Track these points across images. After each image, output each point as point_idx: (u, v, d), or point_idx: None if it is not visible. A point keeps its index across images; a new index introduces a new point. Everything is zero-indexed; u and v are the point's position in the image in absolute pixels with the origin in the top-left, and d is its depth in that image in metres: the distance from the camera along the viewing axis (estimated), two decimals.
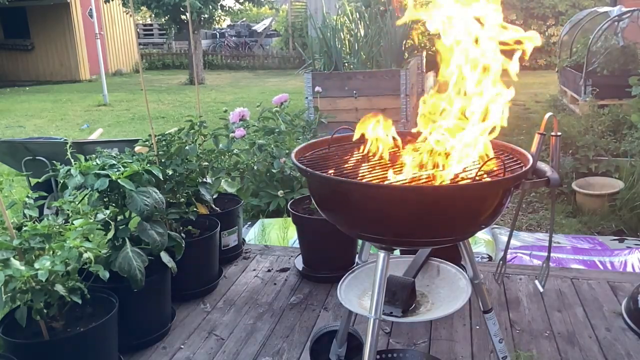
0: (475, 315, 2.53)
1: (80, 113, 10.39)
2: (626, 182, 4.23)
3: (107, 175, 2.18)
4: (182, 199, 2.76)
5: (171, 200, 2.70)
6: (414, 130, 1.84)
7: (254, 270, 3.09)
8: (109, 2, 14.26)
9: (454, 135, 1.69)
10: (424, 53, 8.35)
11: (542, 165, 1.67)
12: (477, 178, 1.55)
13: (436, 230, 1.58)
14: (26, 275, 1.74)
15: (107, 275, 1.96)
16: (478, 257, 3.21)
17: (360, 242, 2.15)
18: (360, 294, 1.84)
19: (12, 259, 1.79)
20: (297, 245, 3.24)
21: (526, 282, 2.83)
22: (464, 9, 1.61)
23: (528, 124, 7.75)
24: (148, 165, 2.40)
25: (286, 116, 4.74)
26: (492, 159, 1.64)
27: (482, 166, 1.59)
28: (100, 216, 2.17)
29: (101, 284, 2.09)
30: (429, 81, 9.27)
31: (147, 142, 2.84)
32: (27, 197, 2.07)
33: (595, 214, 4.19)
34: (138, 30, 21.12)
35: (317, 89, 5.95)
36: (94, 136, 4.47)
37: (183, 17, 13.44)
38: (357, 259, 2.03)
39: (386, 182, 1.58)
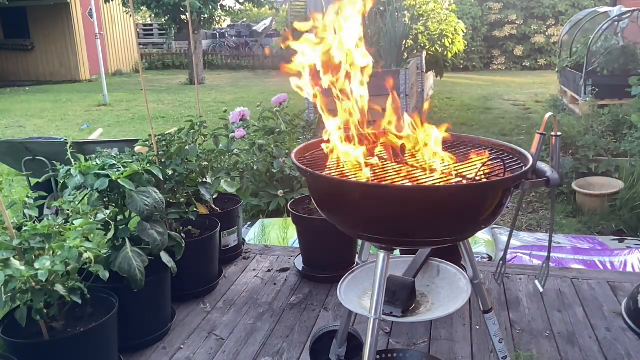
0: (475, 315, 2.53)
1: (80, 113, 10.40)
2: (626, 182, 4.23)
3: (107, 175, 2.18)
4: (182, 199, 2.76)
5: (171, 200, 2.70)
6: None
7: (254, 270, 3.09)
8: (109, 2, 14.26)
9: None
10: (424, 53, 8.35)
11: (542, 165, 1.67)
12: (477, 178, 1.55)
13: (436, 230, 1.58)
14: (26, 275, 1.74)
15: (107, 275, 1.96)
16: (478, 257, 3.21)
17: (360, 242, 2.15)
18: (360, 294, 1.84)
19: (12, 259, 1.79)
20: (297, 245, 3.24)
21: (526, 282, 2.83)
22: None
23: (528, 124, 7.76)
24: (148, 165, 2.40)
25: (286, 116, 4.74)
26: (492, 159, 1.64)
27: (482, 166, 1.59)
28: (100, 216, 2.17)
29: (101, 284, 2.09)
30: (429, 81, 9.27)
31: (147, 142, 2.84)
32: (27, 197, 2.07)
33: (595, 214, 4.19)
34: (138, 30, 21.12)
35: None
36: (94, 136, 4.48)
37: (183, 17, 13.44)
38: (357, 259, 2.03)
39: (386, 182, 1.58)
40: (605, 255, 3.20)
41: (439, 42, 8.58)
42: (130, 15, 16.04)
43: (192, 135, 2.93)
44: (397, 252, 2.36)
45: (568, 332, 2.39)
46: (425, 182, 1.58)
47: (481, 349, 2.30)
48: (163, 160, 2.71)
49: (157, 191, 2.32)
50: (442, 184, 1.56)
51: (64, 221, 2.00)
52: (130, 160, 2.43)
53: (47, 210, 3.38)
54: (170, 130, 2.91)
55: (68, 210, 2.08)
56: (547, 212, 4.49)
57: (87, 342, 1.95)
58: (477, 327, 2.45)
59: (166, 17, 13.52)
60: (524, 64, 15.23)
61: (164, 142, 2.76)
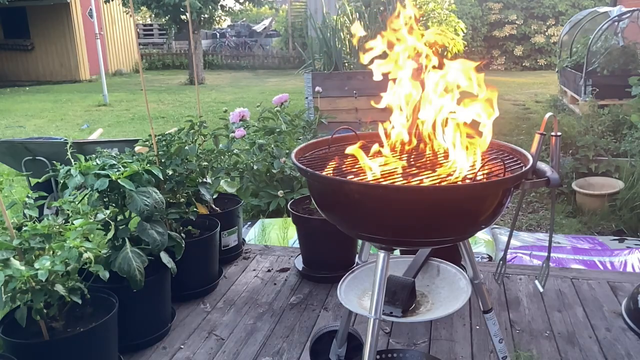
0: (475, 315, 2.53)
1: (80, 113, 10.39)
2: (626, 182, 4.23)
3: (107, 175, 2.18)
4: (182, 199, 2.76)
5: (171, 200, 2.70)
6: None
7: (254, 270, 3.09)
8: (109, 2, 14.26)
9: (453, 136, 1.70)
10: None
11: (542, 165, 1.67)
12: (477, 178, 1.55)
13: (436, 230, 1.58)
14: (26, 275, 1.74)
15: (107, 275, 1.97)
16: (478, 257, 3.21)
17: (360, 242, 2.15)
18: (360, 294, 1.84)
19: (12, 259, 1.79)
20: (297, 245, 3.24)
21: (526, 282, 2.83)
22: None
23: (528, 124, 7.76)
24: (148, 165, 2.40)
25: (286, 116, 4.74)
26: (492, 159, 1.64)
27: (482, 166, 1.59)
28: (100, 216, 2.17)
29: (101, 284, 2.09)
30: None
31: (147, 142, 2.84)
32: (27, 197, 2.07)
33: (595, 214, 4.19)
34: (138, 30, 21.12)
35: (317, 89, 5.95)
36: (94, 136, 4.47)
37: (183, 17, 13.44)
38: (357, 259, 2.03)
39: (386, 182, 1.58)
40: (605, 255, 3.20)
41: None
42: (130, 15, 16.05)
43: (192, 135, 2.93)
44: (397, 252, 2.36)
45: (568, 332, 2.39)
46: (426, 182, 1.58)
47: (481, 349, 2.30)
48: (163, 160, 2.71)
49: (157, 191, 2.32)
50: (442, 184, 1.56)
51: (64, 221, 2.00)
52: (130, 160, 2.43)
53: (47, 210, 3.38)
54: (170, 130, 2.91)
55: (68, 210, 2.08)
56: (547, 212, 4.49)
57: (87, 342, 1.95)
58: (477, 327, 2.45)
59: (166, 17, 13.52)
60: (524, 64, 15.22)
61: (164, 142, 2.76)
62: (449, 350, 2.29)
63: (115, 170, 2.24)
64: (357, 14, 7.13)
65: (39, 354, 1.89)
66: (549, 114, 1.73)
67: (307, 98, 6.20)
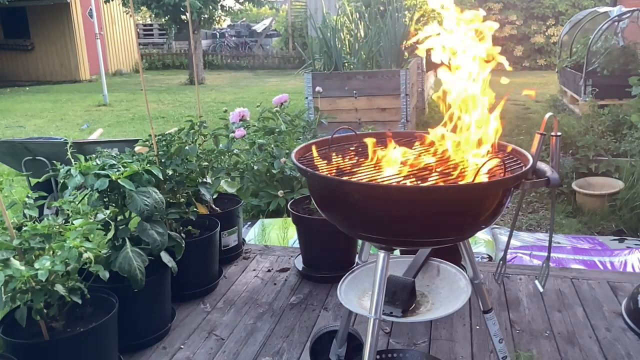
0: (475, 315, 2.53)
1: (80, 113, 10.39)
2: (626, 182, 4.23)
3: (107, 175, 2.18)
4: (182, 199, 2.76)
5: (171, 200, 2.70)
6: (414, 130, 1.85)
7: (254, 270, 3.09)
8: (109, 2, 14.26)
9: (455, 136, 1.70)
10: (424, 53, 8.33)
11: (542, 165, 1.67)
12: (477, 178, 1.55)
13: (436, 230, 1.58)
14: (26, 275, 1.74)
15: (107, 275, 1.97)
16: (478, 257, 3.21)
17: (360, 242, 2.15)
18: (360, 294, 1.84)
19: (12, 259, 1.79)
20: (297, 245, 3.24)
21: (526, 282, 2.83)
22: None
23: (528, 124, 7.76)
24: (148, 165, 2.40)
25: (286, 116, 4.74)
26: (491, 159, 1.64)
27: (481, 166, 1.59)
28: (100, 216, 2.17)
29: (101, 284, 2.09)
30: (429, 81, 9.26)
31: (147, 142, 2.84)
32: (27, 197, 2.07)
33: (595, 214, 4.19)
34: (138, 30, 21.11)
35: (317, 89, 5.95)
36: (94, 136, 4.47)
37: (183, 17, 13.44)
38: (357, 259, 2.03)
39: (386, 182, 1.58)
40: (605, 255, 3.20)
41: None
42: (130, 15, 16.05)
43: (192, 135, 2.93)
44: (397, 252, 2.36)
45: (568, 332, 2.39)
46: (426, 182, 1.58)
47: (481, 349, 2.30)
48: (163, 160, 2.71)
49: (157, 191, 2.32)
50: (442, 184, 1.56)
51: (64, 221, 2.00)
52: (130, 160, 2.43)
53: (47, 210, 3.38)
54: (170, 130, 2.91)
55: (68, 210, 2.08)
56: (547, 212, 4.49)
57: (87, 342, 1.95)
58: (477, 327, 2.45)
59: (166, 17, 13.52)
60: (523, 64, 15.22)
61: (164, 142, 2.76)
62: (449, 350, 2.29)
63: (115, 170, 2.24)
64: (357, 14, 7.13)
65: (39, 354, 1.89)
66: (549, 114, 1.73)
67: (307, 98, 6.19)
